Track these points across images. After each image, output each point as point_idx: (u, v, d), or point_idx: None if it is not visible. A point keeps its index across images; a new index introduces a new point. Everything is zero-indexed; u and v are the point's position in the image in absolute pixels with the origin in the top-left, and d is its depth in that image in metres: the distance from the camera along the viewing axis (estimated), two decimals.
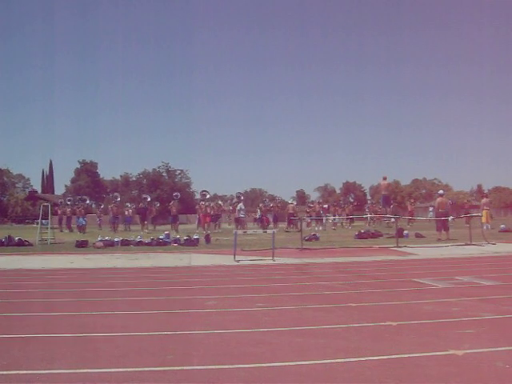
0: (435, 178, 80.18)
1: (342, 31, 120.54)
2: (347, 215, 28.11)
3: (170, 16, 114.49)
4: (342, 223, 29.16)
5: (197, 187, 58.87)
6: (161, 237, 15.83)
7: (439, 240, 15.32)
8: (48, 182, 79.77)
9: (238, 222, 24.59)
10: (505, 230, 19.51)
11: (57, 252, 13.43)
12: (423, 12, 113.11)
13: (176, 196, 28.65)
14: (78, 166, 71.29)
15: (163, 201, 38.48)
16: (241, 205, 25.39)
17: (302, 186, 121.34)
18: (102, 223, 30.66)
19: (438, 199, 17.20)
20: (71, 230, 26.49)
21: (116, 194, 35.54)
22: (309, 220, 25.57)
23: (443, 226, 16.10)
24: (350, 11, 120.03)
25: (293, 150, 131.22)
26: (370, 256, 11.20)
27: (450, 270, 8.81)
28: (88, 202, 28.45)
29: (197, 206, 27.22)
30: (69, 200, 34.92)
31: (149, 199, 30.05)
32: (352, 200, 31.50)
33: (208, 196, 29.96)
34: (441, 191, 18.11)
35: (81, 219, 25.99)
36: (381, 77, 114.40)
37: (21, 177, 73.17)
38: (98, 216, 32.87)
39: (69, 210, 28.78)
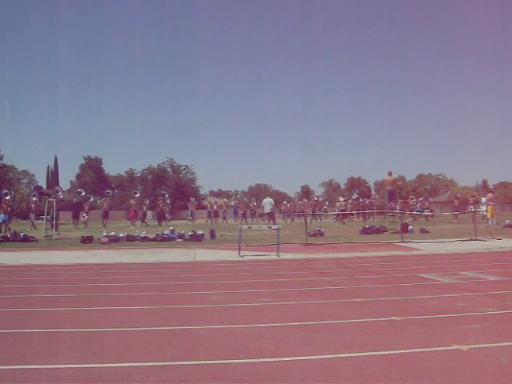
0: (440, 174, 79.69)
1: (347, 25, 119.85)
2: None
3: (174, 12, 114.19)
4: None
5: (201, 183, 59.14)
6: (166, 232, 15.90)
7: None
8: (53, 177, 79.86)
9: (270, 216, 24.49)
10: (510, 225, 19.39)
11: (62, 248, 13.48)
12: (430, 5, 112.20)
13: (163, 195, 28.67)
14: (83, 161, 71.53)
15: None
16: (269, 199, 25.36)
17: (306, 181, 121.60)
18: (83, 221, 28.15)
19: None
20: None
21: (57, 187, 25.51)
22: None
23: None
24: (354, 6, 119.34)
25: (297, 145, 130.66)
26: (374, 251, 11.18)
27: (455, 265, 8.77)
28: (36, 198, 23.53)
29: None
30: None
31: (83, 193, 27.44)
32: (357, 195, 31.68)
33: (167, 196, 30.36)
34: None
35: (1, 215, 22.27)
36: (385, 72, 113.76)
37: (26, 173, 73.69)
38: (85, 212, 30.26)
39: None
